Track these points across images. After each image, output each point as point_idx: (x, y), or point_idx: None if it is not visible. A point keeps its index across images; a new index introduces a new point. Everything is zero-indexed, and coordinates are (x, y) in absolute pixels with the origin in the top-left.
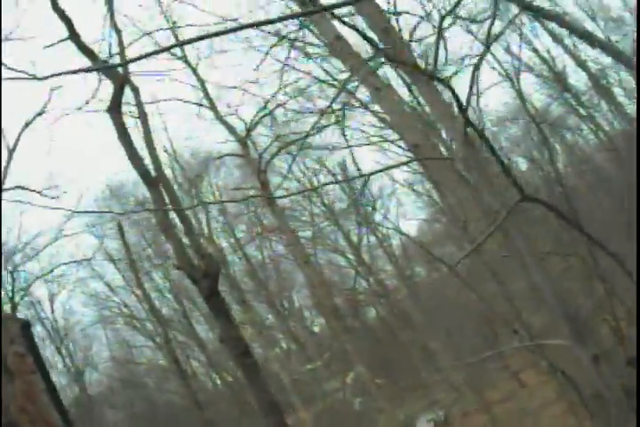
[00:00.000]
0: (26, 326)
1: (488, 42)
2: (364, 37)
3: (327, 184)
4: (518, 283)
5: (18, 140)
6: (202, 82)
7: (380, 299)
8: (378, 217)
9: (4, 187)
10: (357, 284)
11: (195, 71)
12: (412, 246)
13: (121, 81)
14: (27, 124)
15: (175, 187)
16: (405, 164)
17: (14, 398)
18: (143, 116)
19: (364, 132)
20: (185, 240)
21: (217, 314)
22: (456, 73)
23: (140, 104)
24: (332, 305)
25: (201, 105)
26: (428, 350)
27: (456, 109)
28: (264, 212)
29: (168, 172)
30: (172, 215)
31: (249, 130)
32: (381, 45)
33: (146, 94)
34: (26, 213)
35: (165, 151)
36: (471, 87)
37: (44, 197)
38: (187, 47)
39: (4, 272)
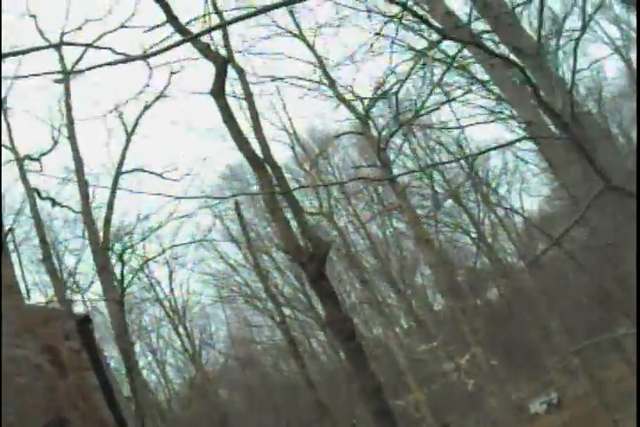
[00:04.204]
0: (84, 321)
1: (586, 17)
2: None
3: (442, 163)
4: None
5: (136, 123)
6: (319, 59)
7: (500, 278)
8: (501, 193)
9: (124, 169)
10: (479, 262)
11: (312, 48)
12: (536, 225)
13: (222, 63)
14: (145, 108)
15: (295, 166)
16: (513, 142)
17: (67, 395)
18: (249, 98)
19: (483, 107)
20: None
21: (323, 297)
22: (557, 49)
23: (245, 85)
24: (452, 284)
25: (320, 82)
26: (546, 330)
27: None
28: (385, 190)
29: (288, 151)
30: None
31: (368, 108)
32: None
33: (263, 73)
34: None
35: (285, 130)
36: (575, 63)
37: (165, 179)
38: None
39: (112, 255)
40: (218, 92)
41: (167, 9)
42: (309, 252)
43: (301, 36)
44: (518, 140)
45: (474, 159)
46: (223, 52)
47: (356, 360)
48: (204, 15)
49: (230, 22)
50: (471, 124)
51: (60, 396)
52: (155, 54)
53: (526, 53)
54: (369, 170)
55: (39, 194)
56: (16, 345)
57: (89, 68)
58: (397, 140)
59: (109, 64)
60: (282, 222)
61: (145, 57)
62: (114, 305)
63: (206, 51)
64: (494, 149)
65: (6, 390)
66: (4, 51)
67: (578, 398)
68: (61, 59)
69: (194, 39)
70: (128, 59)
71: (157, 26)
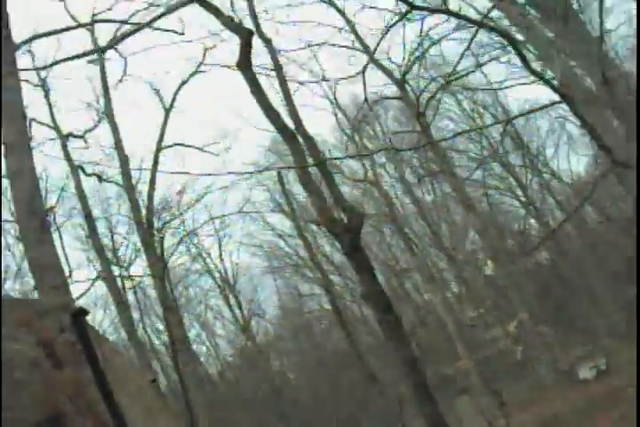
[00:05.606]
0: (80, 313)
1: None
2: None
3: (482, 128)
4: None
5: (174, 99)
6: (352, 25)
7: (548, 242)
8: (548, 154)
9: (164, 144)
10: (527, 225)
11: (343, 14)
12: (583, 186)
13: (247, 34)
14: (182, 83)
15: (339, 133)
16: (547, 106)
17: (62, 388)
18: (278, 68)
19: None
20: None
21: (359, 269)
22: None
23: (274, 56)
24: (501, 248)
25: (354, 48)
26: (594, 294)
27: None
28: (428, 155)
29: (332, 118)
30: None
31: (404, 72)
32: None
33: (294, 43)
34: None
35: (327, 98)
36: (601, 27)
37: (206, 153)
38: None
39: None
40: (244, 64)
41: None
42: (344, 223)
43: (331, 2)
44: (551, 104)
45: (507, 123)
46: (250, 22)
47: (393, 333)
48: None
49: None
50: (511, 86)
51: (56, 390)
52: (162, 15)
53: (554, 15)
54: (411, 135)
55: (84, 170)
56: (14, 339)
57: (50, 65)
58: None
59: (67, 59)
60: (315, 194)
61: (153, 21)
62: (157, 281)
63: (230, 24)
64: (530, 112)
65: (5, 386)
66: (38, 32)
67: (628, 363)
68: (94, 40)
69: (229, 25)
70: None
71: (184, 3)
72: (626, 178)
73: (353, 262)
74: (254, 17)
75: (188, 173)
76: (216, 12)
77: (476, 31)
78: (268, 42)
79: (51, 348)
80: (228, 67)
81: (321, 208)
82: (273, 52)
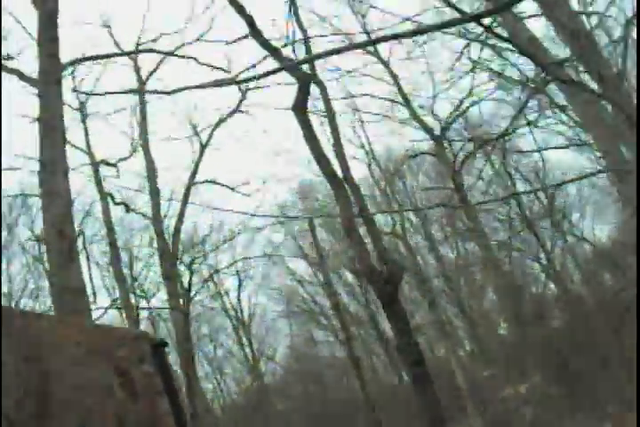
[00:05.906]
0: (160, 345)
1: None
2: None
3: (522, 193)
4: None
5: (211, 136)
6: (395, 78)
7: (565, 306)
8: (572, 220)
9: (196, 180)
10: (547, 289)
11: (387, 66)
12: (604, 254)
13: (305, 79)
14: (220, 121)
15: (371, 182)
16: (590, 175)
17: (137, 420)
18: (330, 115)
19: (561, 134)
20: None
21: (395, 321)
22: None
23: (327, 102)
24: (518, 310)
25: (395, 102)
26: (607, 360)
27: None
28: (458, 213)
29: (365, 169)
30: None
31: (443, 129)
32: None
33: (338, 91)
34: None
35: (362, 148)
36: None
37: (237, 193)
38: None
39: (180, 264)
40: (300, 108)
41: (250, 22)
42: (384, 275)
43: (376, 54)
44: (593, 174)
45: (552, 191)
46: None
47: (421, 387)
48: (293, 42)
49: (320, 56)
50: (546, 149)
51: (130, 421)
52: (246, 81)
53: (608, 82)
54: (440, 192)
55: (113, 198)
56: (87, 366)
57: (175, 91)
58: (477, 163)
59: (199, 87)
60: (358, 245)
61: (237, 83)
62: (178, 314)
63: (290, 66)
64: (572, 181)
65: (74, 411)
66: (81, 56)
67: None
68: (137, 69)
69: (291, 68)
70: (217, 83)
71: (239, 39)
72: None
73: (390, 313)
74: (312, 62)
75: (214, 208)
76: (274, 52)
77: (531, 95)
78: (323, 88)
79: (126, 377)
80: (280, 109)
81: (363, 259)
82: (327, 99)
